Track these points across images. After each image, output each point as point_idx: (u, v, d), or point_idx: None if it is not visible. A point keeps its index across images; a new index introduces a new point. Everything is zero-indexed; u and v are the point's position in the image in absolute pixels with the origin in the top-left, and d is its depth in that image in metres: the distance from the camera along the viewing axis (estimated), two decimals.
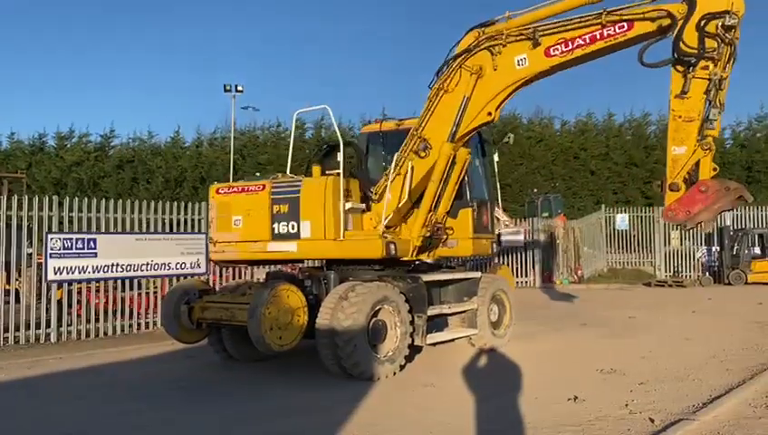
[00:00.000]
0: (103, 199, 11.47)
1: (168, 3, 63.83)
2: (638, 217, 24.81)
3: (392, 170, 8.00)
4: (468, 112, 7.61)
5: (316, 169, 8.33)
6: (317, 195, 7.68)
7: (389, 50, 65.95)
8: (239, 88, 28.81)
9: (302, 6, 68.34)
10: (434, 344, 8.39)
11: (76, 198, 11.21)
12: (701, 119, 6.49)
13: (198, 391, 7.23)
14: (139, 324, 11.65)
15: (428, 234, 7.99)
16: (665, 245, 24.03)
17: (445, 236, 8.31)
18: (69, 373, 8.35)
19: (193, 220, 12.54)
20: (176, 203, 12.52)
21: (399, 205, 7.88)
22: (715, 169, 6.69)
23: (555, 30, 7.11)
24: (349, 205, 7.74)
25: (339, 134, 8.45)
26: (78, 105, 59.33)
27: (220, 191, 8.46)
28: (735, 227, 22.75)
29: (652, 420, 5.53)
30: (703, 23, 6.32)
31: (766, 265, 21.14)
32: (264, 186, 8.07)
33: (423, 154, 7.80)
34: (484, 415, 5.93)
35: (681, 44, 6.42)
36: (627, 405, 6.06)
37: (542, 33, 7.13)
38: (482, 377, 7.82)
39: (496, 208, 22.04)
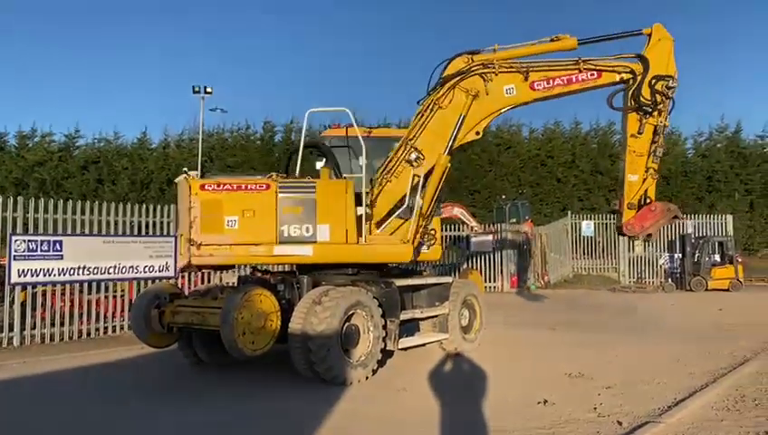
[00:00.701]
0: (69, 201, 11.26)
1: (133, 1, 62.88)
2: (602, 223, 25.30)
3: (381, 176, 8.30)
4: (462, 130, 8.43)
5: (325, 171, 8.19)
6: (338, 198, 7.68)
7: (360, 52, 66.08)
8: (208, 89, 28.31)
9: (273, 7, 68.00)
10: (406, 349, 8.44)
11: (41, 199, 10.97)
12: (648, 154, 8.55)
13: (167, 396, 7.15)
14: (105, 328, 11.45)
15: (422, 239, 8.41)
16: (629, 251, 24.52)
17: (433, 241, 8.73)
18: (33, 378, 8.15)
19: (161, 223, 12.39)
20: (143, 205, 12.35)
21: (400, 210, 8.26)
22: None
23: (541, 69, 8.48)
24: (361, 209, 7.84)
25: (361, 139, 8.09)
26: (40, 104, 57.92)
27: (207, 187, 7.53)
28: (697, 235, 23.35)
29: (620, 423, 5.66)
30: (653, 81, 8.25)
31: (725, 272, 21.74)
32: (267, 185, 7.61)
33: (416, 163, 8.32)
34: (456, 418, 6.00)
35: (640, 96, 8.29)
36: (595, 408, 6.19)
37: (531, 69, 8.42)
38: (453, 381, 7.90)
39: (465, 214, 22.36)
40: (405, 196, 8.28)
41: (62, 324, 10.80)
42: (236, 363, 8.21)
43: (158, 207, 12.52)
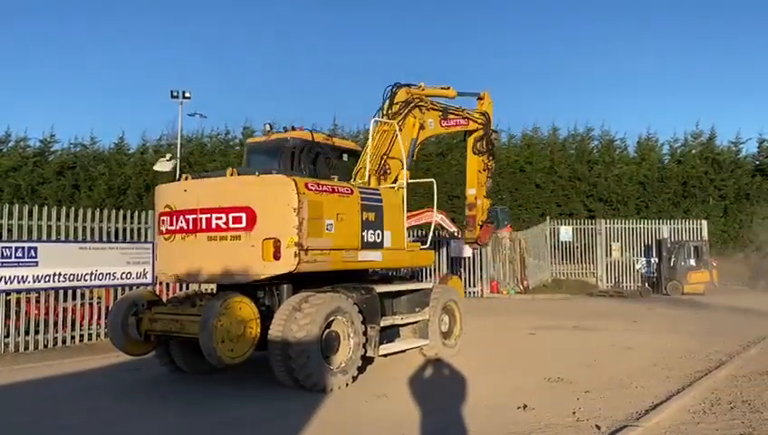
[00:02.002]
0: (45, 207, 11.09)
1: (111, 3, 62.25)
2: (580, 229, 25.54)
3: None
4: (414, 151, 9.71)
5: (403, 174, 8.79)
6: (396, 205, 8.15)
7: (341, 59, 66.10)
8: (187, 94, 28.27)
9: (253, 13, 67.77)
10: (386, 355, 8.43)
11: (16, 205, 10.79)
12: (485, 185, 11.11)
13: (144, 404, 7.07)
14: (81, 336, 11.27)
15: None
16: (606, 256, 24.81)
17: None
18: (6, 387, 8.01)
19: (139, 229, 12.25)
20: (120, 211, 12.20)
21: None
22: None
23: (449, 111, 10.42)
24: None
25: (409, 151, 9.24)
26: (14, 108, 57.07)
27: (311, 187, 7.20)
28: (673, 240, 23.68)
29: (598, 427, 5.72)
30: (491, 133, 11.10)
31: (701, 277, 22.09)
32: (351, 189, 7.76)
33: (384, 176, 9.10)
34: (436, 424, 6.02)
35: (486, 143, 10.93)
36: (574, 413, 6.24)
37: (447, 110, 10.33)
38: (433, 387, 7.91)
39: (445, 219, 22.45)
40: None
41: (36, 333, 10.62)
42: (215, 371, 8.14)
43: (136, 213, 12.37)
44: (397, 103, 9.54)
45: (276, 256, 6.96)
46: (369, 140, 9.11)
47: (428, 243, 9.63)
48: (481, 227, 11.00)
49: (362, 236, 7.71)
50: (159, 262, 8.34)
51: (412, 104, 9.64)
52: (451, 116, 10.44)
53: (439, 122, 10.22)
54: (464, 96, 10.96)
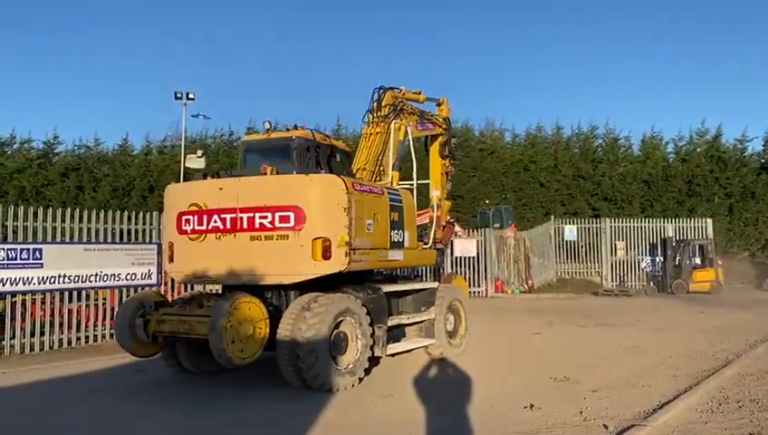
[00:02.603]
0: (50, 208, 11.11)
1: (115, 5, 62.36)
2: (585, 228, 25.51)
3: None
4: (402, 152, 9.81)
5: (396, 175, 8.86)
6: (412, 205, 8.33)
7: (342, 59, 66.11)
8: (190, 96, 28.31)
9: (256, 14, 67.82)
10: (392, 355, 8.42)
11: (21, 207, 10.81)
12: (446, 187, 11.37)
13: (150, 405, 7.06)
14: (87, 337, 11.28)
15: None
16: (611, 255, 24.76)
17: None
18: (12, 389, 8.02)
19: (143, 230, 12.26)
20: (125, 212, 12.22)
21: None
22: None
23: (425, 115, 10.69)
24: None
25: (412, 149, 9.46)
26: (19, 110, 57.25)
27: (357, 187, 7.20)
28: (678, 239, 23.62)
29: (606, 427, 5.70)
30: (452, 138, 11.34)
31: (706, 275, 22.03)
32: (382, 190, 7.88)
33: (380, 177, 9.21)
34: (442, 424, 6.00)
35: (449, 148, 11.18)
36: (581, 412, 6.22)
37: (423, 114, 10.62)
38: (439, 386, 7.90)
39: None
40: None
41: (42, 334, 10.63)
42: (221, 372, 8.14)
43: (140, 214, 12.38)
44: (385, 106, 9.74)
45: (326, 256, 6.96)
46: (362, 140, 9.44)
47: (431, 242, 9.67)
48: (444, 227, 11.10)
49: (390, 236, 7.88)
50: (179, 262, 8.05)
51: (399, 107, 9.87)
52: (425, 120, 10.68)
53: (416, 126, 10.41)
54: (429, 101, 11.23)
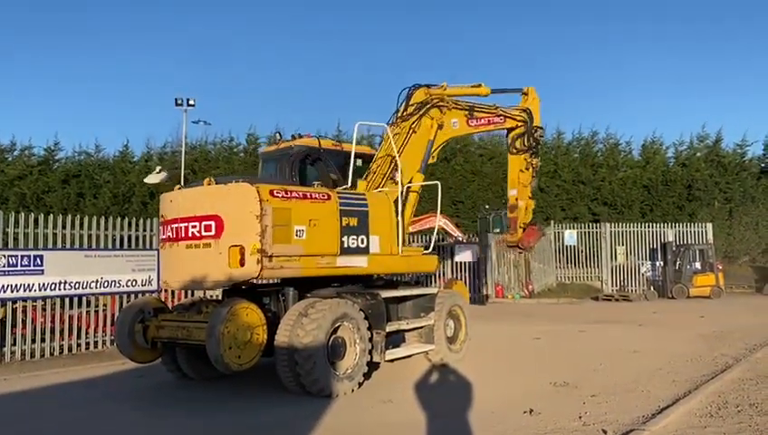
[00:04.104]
0: (50, 215, 11.14)
1: (114, 9, 62.59)
2: (585, 232, 25.54)
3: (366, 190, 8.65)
4: (430, 153, 9.55)
5: (362, 184, 8.50)
6: (385, 209, 8.02)
7: (339, 64, 66.31)
8: (191, 102, 28.40)
9: (258, 22, 68.07)
10: (392, 360, 8.43)
11: (21, 213, 10.85)
12: (529, 185, 10.68)
13: (151, 411, 7.08)
14: (87, 343, 11.30)
15: None
16: (611, 260, 24.76)
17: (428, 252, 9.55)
18: (13, 395, 8.04)
19: (144, 236, 12.28)
20: (125, 219, 12.25)
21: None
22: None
23: (476, 109, 10.11)
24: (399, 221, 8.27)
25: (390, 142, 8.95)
26: (19, 117, 57.38)
27: (276, 194, 7.19)
28: (678, 243, 23.63)
29: (605, 432, 5.70)
30: (534, 130, 10.43)
31: (706, 280, 22.03)
32: (328, 195, 7.65)
33: (396, 179, 8.95)
34: (442, 430, 6.01)
35: (528, 141, 10.43)
36: (580, 417, 6.22)
37: (473, 108, 10.04)
38: (439, 392, 7.90)
39: (449, 224, 22.47)
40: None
41: (42, 340, 10.65)
42: (221, 377, 8.16)
43: (141, 220, 12.42)
44: (412, 105, 9.48)
45: (242, 263, 7.01)
46: (383, 142, 9.25)
47: (431, 248, 9.56)
48: (524, 229, 10.63)
49: (342, 242, 7.63)
50: (161, 270, 8.51)
51: (429, 105, 9.52)
52: (479, 114, 10.15)
53: (466, 122, 9.99)
54: (503, 93, 10.59)
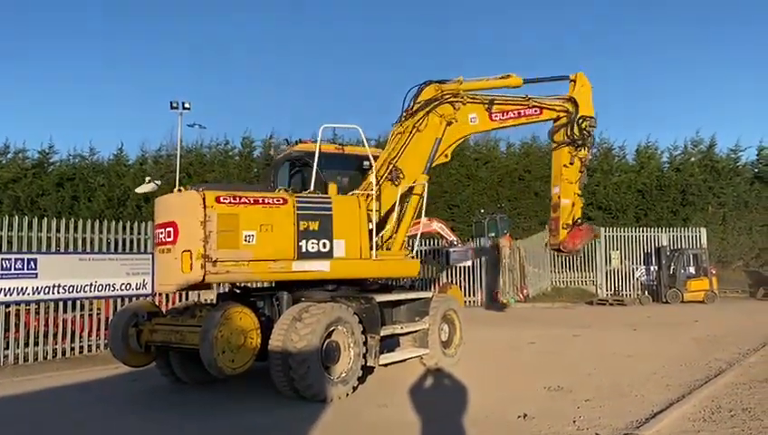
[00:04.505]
0: (44, 218, 11.11)
1: (109, 13, 62.53)
2: None
3: (362, 193, 8.43)
4: (438, 152, 9.03)
5: (333, 187, 8.24)
6: (352, 213, 7.81)
7: (338, 69, 66.38)
8: (186, 105, 28.33)
9: (253, 25, 68.09)
10: (386, 365, 8.43)
11: (15, 217, 10.81)
12: (576, 182, 9.84)
13: (145, 414, 7.05)
14: (81, 347, 11.26)
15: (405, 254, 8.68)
16: (606, 264, 24.82)
17: (412, 256, 9.19)
18: (6, 399, 8.00)
19: (138, 240, 12.26)
20: (120, 222, 12.22)
21: (388, 227, 8.54)
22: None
23: (499, 102, 9.45)
24: (371, 225, 8.00)
25: (370, 155, 8.53)
26: (13, 120, 57.13)
27: (223, 200, 7.23)
28: (672, 248, 23.71)
29: None
30: (581, 121, 9.64)
31: (700, 284, 22.11)
32: (285, 199, 7.58)
33: (397, 182, 8.72)
34: (437, 434, 6.00)
35: (572, 133, 9.65)
36: (574, 421, 6.23)
37: (493, 102, 9.34)
38: (433, 396, 7.90)
39: (444, 228, 22.50)
40: (387, 213, 8.57)
41: (36, 344, 10.61)
42: (215, 381, 8.14)
43: (135, 223, 12.39)
44: (419, 102, 8.99)
45: (191, 268, 7.13)
46: (388, 144, 9.00)
47: (413, 251, 9.40)
48: (570, 230, 9.81)
49: (299, 247, 7.54)
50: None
51: (436, 102, 8.94)
52: (505, 108, 9.42)
53: (488, 116, 9.34)
54: (541, 82, 9.74)
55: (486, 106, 9.29)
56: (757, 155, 31.49)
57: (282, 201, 7.53)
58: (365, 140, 8.74)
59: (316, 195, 7.98)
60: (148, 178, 24.80)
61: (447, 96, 9.03)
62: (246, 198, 7.38)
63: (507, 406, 6.86)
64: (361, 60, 67.13)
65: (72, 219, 11.50)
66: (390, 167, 8.77)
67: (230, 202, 7.25)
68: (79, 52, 61.84)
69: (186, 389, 8.19)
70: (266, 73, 65.84)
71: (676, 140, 35.54)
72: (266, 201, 7.46)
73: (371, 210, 8.31)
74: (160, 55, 63.95)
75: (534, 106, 9.62)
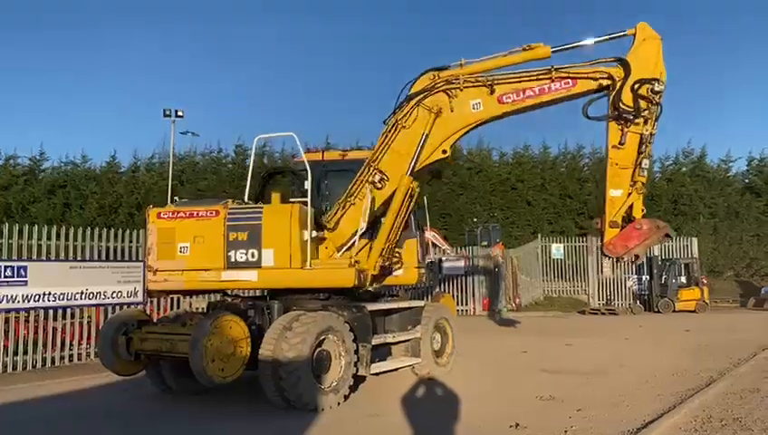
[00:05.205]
0: (35, 225, 11.04)
1: (101, 21, 62.50)
2: (572, 246, 25.66)
3: (345, 199, 8.21)
4: (426, 148, 8.05)
5: (276, 197, 8.10)
6: (282, 222, 7.62)
7: (334, 77, 66.51)
8: (179, 113, 28.36)
9: (245, 31, 68.19)
10: (378, 374, 8.40)
11: (5, 224, 10.74)
12: (633, 166, 7.66)
13: (136, 424, 6.99)
14: (71, 356, 11.17)
15: (385, 263, 8.27)
16: (598, 274, 24.88)
17: (399, 265, 8.82)
18: None
19: (130, 248, 12.19)
20: (111, 230, 12.16)
21: (359, 234, 8.00)
22: (642, 211, 7.88)
23: (509, 80, 7.91)
24: (313, 233, 7.78)
25: (306, 163, 7.95)
26: (4, 126, 56.92)
27: (162, 216, 7.81)
28: (663, 257, 23.80)
29: None
30: (636, 86, 7.52)
31: (692, 294, 22.20)
32: (217, 211, 7.71)
33: (380, 185, 8.14)
34: None
35: (620, 103, 7.57)
36: (566, 431, 6.23)
37: (497, 81, 7.90)
38: (425, 406, 7.88)
39: (437, 237, 22.50)
40: (374, 221, 8.31)
41: (25, 353, 10.51)
42: (205, 390, 8.08)
43: (127, 231, 12.34)
44: (411, 95, 8.10)
45: (145, 277, 7.80)
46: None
47: (424, 262, 9.44)
48: (621, 228, 7.82)
49: (228, 256, 7.59)
50: None
51: (423, 93, 7.97)
52: (519, 86, 7.84)
53: (496, 99, 7.90)
54: (573, 48, 7.87)
55: (489, 88, 7.88)
56: (748, 165, 31.78)
57: (214, 213, 7.77)
58: (300, 149, 8.33)
59: (248, 206, 8.06)
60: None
61: (440, 84, 7.98)
62: (183, 212, 7.89)
63: (499, 415, 6.85)
64: (361, 60, 67.32)
65: (64, 227, 11.42)
66: (372, 169, 8.15)
67: (168, 217, 7.85)
68: (70, 58, 61.74)
69: (177, 398, 8.13)
70: (260, 80, 65.87)
71: (668, 150, 35.82)
72: (200, 214, 7.79)
73: (341, 218, 8.11)
74: (153, 62, 63.94)
75: (562, 78, 7.77)
